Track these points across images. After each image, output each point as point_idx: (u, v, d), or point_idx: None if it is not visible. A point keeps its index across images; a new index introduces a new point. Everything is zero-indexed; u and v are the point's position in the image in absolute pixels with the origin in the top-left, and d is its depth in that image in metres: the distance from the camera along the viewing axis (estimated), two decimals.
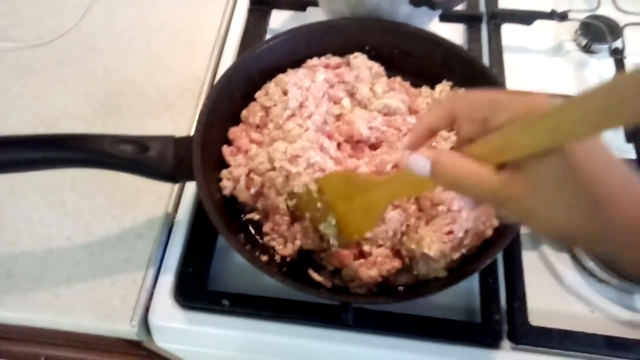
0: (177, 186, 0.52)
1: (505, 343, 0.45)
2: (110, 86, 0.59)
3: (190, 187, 0.52)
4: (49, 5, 0.66)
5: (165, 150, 0.44)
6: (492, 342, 0.45)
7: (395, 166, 0.45)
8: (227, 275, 0.48)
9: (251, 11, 0.67)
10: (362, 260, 0.43)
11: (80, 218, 0.50)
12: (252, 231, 0.47)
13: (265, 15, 0.67)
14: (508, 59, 0.63)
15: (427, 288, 0.40)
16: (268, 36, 0.65)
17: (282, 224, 0.45)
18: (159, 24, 0.65)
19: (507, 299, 0.47)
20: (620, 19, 0.65)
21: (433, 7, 0.51)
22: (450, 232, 0.41)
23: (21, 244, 0.49)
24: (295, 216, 0.45)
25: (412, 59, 0.54)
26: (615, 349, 0.44)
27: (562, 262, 0.51)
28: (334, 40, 0.54)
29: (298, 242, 0.44)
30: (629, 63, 0.61)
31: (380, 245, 0.43)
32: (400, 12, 0.54)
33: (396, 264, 0.42)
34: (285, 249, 0.45)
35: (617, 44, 0.63)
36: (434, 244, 0.41)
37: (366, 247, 0.43)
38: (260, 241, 0.47)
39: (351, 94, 0.53)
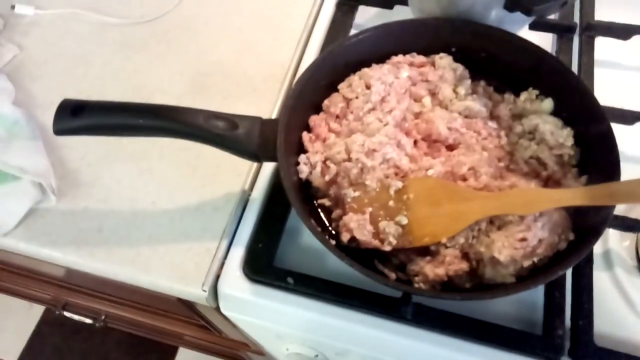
0: (254, 166, 0.55)
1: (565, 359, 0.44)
2: (202, 66, 0.63)
3: (267, 169, 0.55)
4: None
5: (252, 129, 0.46)
6: (552, 356, 0.44)
7: (471, 169, 0.45)
8: (294, 255, 0.50)
9: (339, 5, 0.68)
10: (429, 258, 0.43)
11: (164, 185, 0.54)
12: (323, 216, 0.49)
13: (353, 10, 0.68)
14: (599, 73, 0.60)
15: (493, 291, 0.40)
16: (353, 31, 0.67)
17: (351, 213, 0.46)
18: (252, 11, 0.68)
19: (572, 315, 0.46)
20: None
21: (529, 13, 0.50)
22: (523, 240, 0.40)
23: (111, 204, 0.54)
24: (351, 208, 0.45)
25: (499, 64, 0.53)
26: None
27: (635, 286, 0.49)
28: (421, 39, 0.54)
29: (347, 235, 0.45)
30: None
31: (447, 246, 0.43)
32: (492, 16, 0.54)
33: (464, 265, 0.42)
34: (343, 237, 0.46)
35: None
36: (505, 249, 0.41)
37: (432, 247, 0.44)
38: (329, 227, 0.48)
39: (433, 94, 0.53)
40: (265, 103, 0.60)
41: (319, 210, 0.49)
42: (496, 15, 0.54)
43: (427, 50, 0.55)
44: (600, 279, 0.49)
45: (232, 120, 0.46)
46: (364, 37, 0.53)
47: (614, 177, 0.43)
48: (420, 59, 0.55)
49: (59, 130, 0.45)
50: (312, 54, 0.64)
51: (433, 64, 0.54)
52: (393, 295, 0.45)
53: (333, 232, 0.47)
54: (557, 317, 0.45)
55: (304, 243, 0.51)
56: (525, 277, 0.42)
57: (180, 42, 0.66)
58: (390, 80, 0.52)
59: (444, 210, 0.43)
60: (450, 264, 0.42)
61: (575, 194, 0.40)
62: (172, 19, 0.68)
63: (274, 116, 0.59)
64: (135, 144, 0.57)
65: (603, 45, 0.63)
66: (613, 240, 0.51)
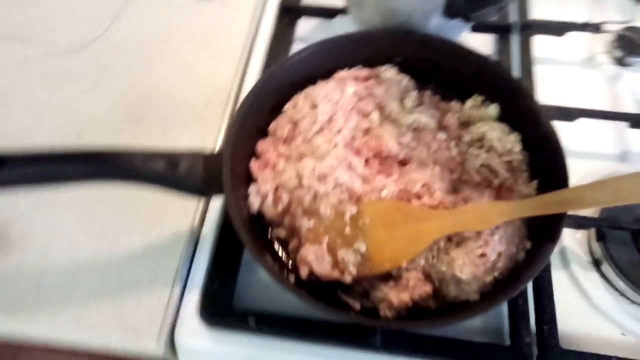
0: (202, 200, 0.52)
1: None
2: (138, 94, 0.60)
3: (216, 202, 0.52)
4: (80, 11, 0.67)
5: (195, 165, 0.44)
6: None
7: (424, 185, 0.44)
8: (254, 291, 0.48)
9: (279, 18, 0.66)
10: (392, 283, 0.42)
11: (107, 232, 0.51)
12: (279, 249, 0.47)
13: (293, 23, 0.66)
14: (539, 71, 0.61)
15: (460, 314, 0.39)
16: (295, 44, 0.65)
17: (308, 242, 0.44)
18: (188, 32, 0.65)
19: (537, 321, 0.46)
20: None
21: (467, 19, 0.50)
22: (482, 255, 0.40)
23: (48, 258, 0.49)
24: (307, 239, 0.44)
25: (443, 72, 0.53)
26: None
27: (591, 281, 0.49)
28: (365, 51, 0.53)
29: (306, 269, 0.43)
30: None
31: (408, 269, 0.42)
32: (432, 24, 0.53)
33: (427, 288, 0.41)
34: (301, 271, 0.44)
35: None
36: (466, 266, 0.40)
37: (394, 271, 0.42)
38: (287, 260, 0.46)
39: (380, 107, 0.52)
40: (209, 130, 0.57)
41: (275, 242, 0.47)
42: (436, 23, 0.54)
43: (372, 61, 0.54)
44: (558, 278, 0.49)
45: (171, 159, 0.43)
46: (306, 54, 0.51)
47: (562, 181, 0.43)
48: (365, 72, 0.53)
49: None
50: (254, 73, 0.61)
51: (378, 77, 0.53)
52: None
53: (291, 266, 0.45)
54: (523, 324, 0.45)
55: (263, 278, 0.48)
56: (488, 292, 0.41)
57: (113, 69, 0.62)
58: (336, 98, 0.50)
59: (402, 233, 0.42)
60: (414, 288, 0.41)
61: (527, 205, 0.40)
62: (102, 44, 0.64)
63: (219, 144, 0.56)
64: (71, 189, 0.53)
65: (541, 43, 0.64)
66: (566, 238, 0.52)
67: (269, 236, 0.47)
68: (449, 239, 0.42)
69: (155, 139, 0.56)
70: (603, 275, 0.49)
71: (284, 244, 0.47)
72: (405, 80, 0.53)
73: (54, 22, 0.66)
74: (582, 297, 0.49)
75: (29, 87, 0.60)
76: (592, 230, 0.50)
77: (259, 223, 0.48)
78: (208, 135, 0.57)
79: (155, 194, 0.45)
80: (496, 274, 0.41)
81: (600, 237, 0.50)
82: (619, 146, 0.58)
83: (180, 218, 0.51)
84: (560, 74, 0.64)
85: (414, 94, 0.52)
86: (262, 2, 0.68)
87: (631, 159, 0.57)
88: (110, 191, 0.51)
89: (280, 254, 0.47)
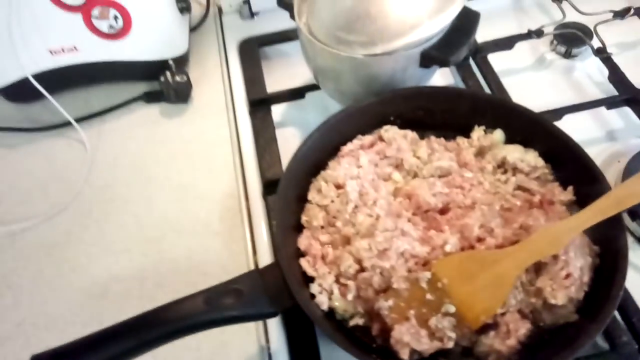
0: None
1: None
2: (147, 232, 0.57)
3: None
4: (49, 170, 0.63)
5: (256, 286, 0.42)
6: None
7: (481, 227, 0.45)
8: None
9: (253, 113, 0.67)
10: (492, 333, 0.41)
11: None
12: (362, 338, 0.45)
13: (268, 112, 0.67)
14: (507, 83, 0.66)
15: (573, 346, 0.39)
16: (278, 130, 0.65)
17: (392, 321, 0.43)
18: (170, 154, 0.63)
19: (622, 316, 0.47)
20: (587, 20, 0.69)
21: (446, 64, 0.53)
22: (568, 276, 0.41)
23: None
24: (392, 320, 0.42)
25: (438, 115, 0.55)
26: None
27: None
28: (360, 121, 0.54)
29: (407, 350, 0.40)
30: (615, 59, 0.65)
31: (503, 313, 0.42)
32: (411, 76, 0.56)
33: (528, 325, 0.41)
34: (402, 355, 0.42)
35: (595, 43, 0.67)
36: (558, 291, 0.40)
37: (489, 320, 0.42)
38: (373, 346, 0.44)
39: (397, 166, 0.53)
40: (234, 243, 0.55)
41: (356, 333, 0.45)
42: (415, 75, 0.56)
43: (370, 129, 0.55)
44: None
45: (234, 289, 0.41)
46: (312, 143, 0.51)
47: (598, 179, 0.46)
48: (369, 138, 0.54)
49: None
50: (253, 173, 0.60)
51: (381, 138, 0.55)
52: None
53: (381, 350, 0.44)
54: (614, 324, 0.46)
55: None
56: (583, 307, 0.42)
57: (110, 217, 0.58)
58: (355, 172, 0.51)
59: (483, 282, 0.42)
60: (516, 330, 0.40)
61: (588, 214, 0.41)
62: (88, 196, 0.60)
63: (249, 251, 0.54)
64: None
65: (495, 60, 0.69)
66: None
67: (346, 329, 0.45)
68: (527, 270, 0.43)
69: (184, 272, 0.53)
70: None
71: (363, 331, 0.45)
72: (409, 133, 0.54)
73: (25, 192, 0.61)
74: None
75: (26, 264, 0.55)
76: (624, 213, 0.53)
77: (331, 321, 0.46)
78: (235, 248, 0.55)
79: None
80: (586, 288, 0.41)
81: (634, 216, 0.52)
82: (604, 127, 0.63)
83: (245, 340, 0.48)
84: (521, 80, 0.69)
85: (423, 143, 0.54)
86: (230, 102, 0.68)
87: (618, 136, 0.62)
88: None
89: (364, 342, 0.45)
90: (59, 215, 0.59)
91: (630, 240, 0.53)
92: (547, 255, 0.41)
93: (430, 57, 0.53)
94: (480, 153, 0.53)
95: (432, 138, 0.55)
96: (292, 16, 0.58)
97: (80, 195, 0.60)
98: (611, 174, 0.57)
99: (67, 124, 0.65)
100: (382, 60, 0.53)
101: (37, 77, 0.63)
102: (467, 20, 0.54)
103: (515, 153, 0.50)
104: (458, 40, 0.53)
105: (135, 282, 0.53)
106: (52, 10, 0.58)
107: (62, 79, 0.66)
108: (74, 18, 0.60)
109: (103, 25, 0.61)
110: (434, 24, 0.51)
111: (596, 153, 0.59)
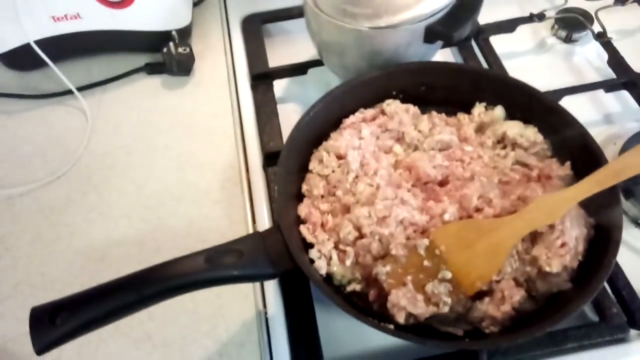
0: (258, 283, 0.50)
1: (631, 333, 0.46)
2: (147, 200, 0.57)
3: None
4: (49, 136, 0.63)
5: (257, 248, 0.42)
6: (620, 335, 0.45)
7: (480, 197, 0.46)
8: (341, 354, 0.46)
9: (254, 87, 0.67)
10: (487, 299, 0.42)
11: (172, 346, 0.47)
12: (359, 303, 0.46)
13: (270, 87, 0.67)
14: (508, 65, 0.66)
15: (563, 311, 0.40)
16: (280, 106, 0.65)
17: (390, 287, 0.44)
18: (172, 124, 0.63)
19: (613, 289, 0.48)
20: (589, 5, 0.70)
21: (450, 39, 0.54)
22: (563, 245, 0.41)
23: None
24: (390, 285, 0.43)
25: (440, 91, 0.56)
26: None
27: (634, 237, 0.53)
28: (363, 94, 0.55)
29: (402, 313, 0.41)
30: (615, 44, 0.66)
31: (499, 281, 0.42)
32: (415, 52, 0.56)
33: (522, 292, 0.42)
34: (398, 318, 0.43)
35: (595, 28, 0.68)
36: (553, 260, 0.41)
37: (484, 287, 0.43)
38: (372, 311, 0.45)
39: (398, 139, 0.53)
40: (235, 210, 0.55)
41: (353, 298, 0.46)
42: (419, 50, 0.57)
43: (372, 102, 0.56)
44: None
45: (235, 250, 0.41)
46: (314, 112, 0.52)
47: (596, 154, 0.46)
48: (371, 112, 0.55)
49: (43, 347, 0.36)
50: (254, 145, 0.61)
51: (383, 112, 0.55)
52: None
53: (377, 315, 0.44)
54: (604, 297, 0.47)
55: (346, 338, 0.47)
56: (577, 277, 0.42)
57: (110, 184, 0.58)
58: (357, 144, 0.51)
59: (480, 249, 0.42)
60: (511, 297, 0.41)
61: (586, 186, 0.42)
62: (87, 163, 0.60)
63: (249, 220, 0.55)
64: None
65: (497, 42, 0.69)
66: None
67: (344, 294, 0.46)
68: (524, 239, 0.43)
69: (183, 238, 0.53)
70: None
71: (361, 297, 0.46)
72: (411, 108, 0.54)
73: (24, 157, 0.61)
74: (636, 254, 0.52)
75: (24, 227, 0.55)
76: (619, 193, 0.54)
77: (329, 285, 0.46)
78: (235, 217, 0.55)
79: (200, 292, 0.42)
80: (580, 257, 0.42)
81: (629, 195, 0.53)
82: (602, 110, 0.63)
83: (242, 305, 0.49)
84: (523, 63, 0.69)
85: (424, 117, 0.54)
86: (232, 76, 0.69)
87: (615, 119, 0.63)
88: (152, 309, 0.47)
89: (362, 307, 0.45)
90: (58, 181, 0.59)
91: (625, 218, 0.53)
92: (543, 225, 0.42)
93: (435, 32, 0.53)
94: (481, 128, 0.54)
95: (434, 113, 0.55)
96: None
97: (80, 161, 0.60)
98: (608, 156, 0.57)
99: (68, 92, 0.65)
100: (387, 33, 0.53)
101: (39, 43, 0.62)
102: None
103: (515, 128, 0.51)
104: (462, 16, 0.53)
105: (134, 247, 0.53)
106: None
107: (65, 47, 0.66)
108: None
109: None
110: None
111: (594, 135, 0.58)
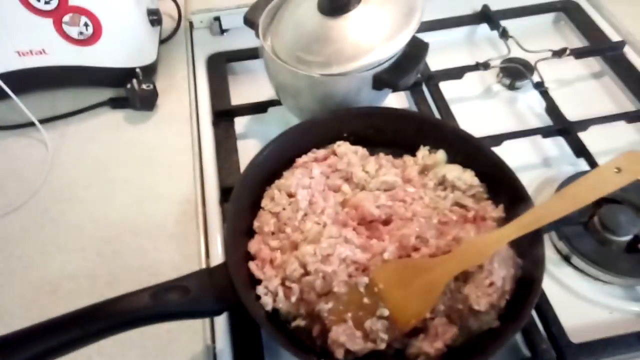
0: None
1: None
2: (103, 233, 0.58)
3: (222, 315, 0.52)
4: (9, 168, 0.64)
5: (203, 286, 0.44)
6: None
7: (418, 237, 0.49)
8: None
9: (216, 123, 0.70)
10: (422, 336, 0.44)
11: None
12: (302, 338, 0.47)
13: (231, 124, 0.70)
14: (456, 110, 0.70)
15: (497, 342, 0.42)
16: (240, 142, 0.68)
17: (331, 323, 0.46)
18: (132, 158, 0.65)
19: (544, 326, 0.51)
20: (529, 57, 0.76)
21: (396, 88, 0.58)
22: (491, 284, 0.44)
23: None
24: (331, 322, 0.45)
25: (388, 134, 0.59)
26: None
27: (568, 275, 0.56)
28: (316, 135, 0.58)
29: (341, 350, 0.44)
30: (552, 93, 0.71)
31: (432, 318, 0.45)
32: (365, 97, 0.60)
33: (455, 329, 0.44)
34: (337, 354, 0.45)
35: (535, 77, 0.74)
36: (481, 298, 0.44)
37: (419, 324, 0.45)
38: (314, 347, 0.47)
39: (346, 179, 0.56)
40: (188, 245, 0.57)
41: (297, 334, 0.48)
42: (368, 96, 0.60)
43: (324, 143, 0.59)
44: (544, 283, 0.55)
45: (181, 286, 0.43)
46: (267, 152, 0.55)
47: (524, 199, 0.50)
48: (322, 152, 0.58)
49: None
50: (212, 180, 0.63)
51: (334, 153, 0.58)
52: None
53: (318, 350, 0.46)
54: (535, 332, 0.50)
55: None
56: (505, 315, 0.45)
57: (68, 216, 0.60)
58: (307, 183, 0.54)
59: (415, 288, 0.45)
60: (444, 334, 0.44)
61: (511, 230, 0.46)
62: (46, 195, 0.62)
63: (202, 254, 0.56)
64: None
65: (446, 88, 0.74)
66: None
67: (288, 329, 0.48)
68: (456, 278, 0.46)
69: (136, 272, 0.55)
70: (576, 267, 0.56)
71: (305, 332, 0.48)
72: (359, 149, 0.58)
73: None
74: (566, 292, 0.55)
75: None
76: (553, 233, 0.58)
77: (275, 320, 0.48)
78: (188, 251, 0.57)
79: (150, 327, 0.44)
80: (507, 296, 0.45)
81: (562, 236, 0.57)
82: (540, 154, 0.68)
83: (191, 340, 0.50)
84: (469, 108, 0.74)
85: (371, 159, 0.57)
86: (195, 112, 0.71)
87: (552, 163, 0.67)
88: (101, 344, 0.48)
89: (305, 343, 0.47)
90: (15, 213, 0.60)
91: (557, 257, 0.58)
92: (473, 265, 0.45)
93: (382, 80, 0.57)
94: (424, 170, 0.57)
95: (381, 155, 0.59)
96: (257, 35, 0.62)
97: (38, 194, 0.61)
98: (545, 197, 0.62)
99: (31, 124, 0.66)
100: (337, 80, 0.57)
101: (3, 76, 0.64)
102: (417, 48, 0.59)
103: (454, 172, 0.54)
104: (407, 66, 0.58)
105: (87, 280, 0.54)
106: (22, 13, 0.60)
107: (29, 80, 0.68)
108: (44, 22, 0.62)
109: (73, 31, 0.63)
110: (384, 50, 0.55)
111: (532, 178, 0.64)
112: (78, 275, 0.55)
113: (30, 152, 0.66)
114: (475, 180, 0.54)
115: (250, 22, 0.63)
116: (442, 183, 0.55)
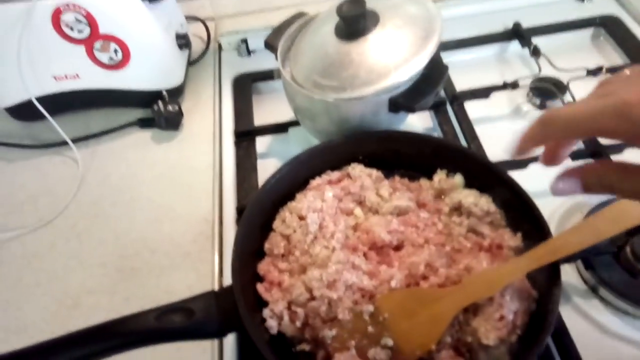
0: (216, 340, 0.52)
1: None
2: (124, 250, 0.60)
3: (230, 337, 0.52)
4: (42, 184, 0.68)
5: (209, 308, 0.44)
6: None
7: (427, 266, 0.47)
8: None
9: (237, 144, 0.71)
10: None
11: None
12: None
13: (252, 144, 0.71)
14: (479, 130, 0.69)
15: None
16: (259, 161, 0.69)
17: (335, 350, 0.45)
18: (156, 177, 0.67)
19: None
20: (562, 76, 0.73)
21: (412, 110, 0.57)
22: (501, 318, 0.42)
23: None
24: (334, 349, 0.45)
25: (404, 157, 0.58)
26: None
27: (595, 308, 0.53)
28: (331, 158, 0.58)
29: None
30: None
31: (439, 350, 0.44)
32: (382, 119, 0.59)
33: None
34: None
35: (567, 97, 0.71)
36: (490, 332, 0.42)
37: (424, 355, 0.44)
38: None
39: (359, 202, 0.56)
40: (203, 264, 0.58)
41: (300, 358, 0.47)
42: (385, 119, 0.60)
43: (338, 165, 0.59)
44: (565, 313, 0.52)
45: (186, 308, 0.44)
46: (281, 175, 0.55)
47: (542, 229, 0.48)
48: (336, 174, 0.58)
49: None
50: (230, 200, 0.64)
51: (348, 175, 0.58)
52: None
53: None
54: None
55: None
56: (516, 351, 0.43)
57: (92, 232, 0.62)
58: (319, 206, 0.54)
59: (422, 318, 0.44)
60: None
61: (524, 262, 0.44)
62: (74, 211, 0.65)
63: (216, 274, 0.57)
64: None
65: (472, 108, 0.72)
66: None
67: (294, 352, 0.47)
68: (466, 310, 0.45)
69: (152, 289, 0.56)
70: (603, 300, 0.53)
71: (310, 357, 0.47)
72: (374, 172, 0.57)
73: (18, 202, 0.66)
74: (592, 326, 0.52)
75: (6, 271, 0.59)
76: (579, 262, 0.55)
77: (281, 343, 0.48)
78: (203, 270, 0.58)
79: (163, 346, 0.45)
80: (519, 331, 0.43)
81: (589, 266, 0.54)
82: None
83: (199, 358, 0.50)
84: (496, 129, 0.71)
85: (385, 182, 0.57)
86: (218, 132, 0.73)
87: None
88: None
89: None
90: (45, 228, 0.63)
91: (584, 288, 0.54)
92: (482, 297, 0.43)
93: (397, 104, 0.57)
94: (440, 194, 0.56)
95: (397, 178, 0.58)
96: (277, 58, 0.63)
97: (67, 210, 0.65)
98: (573, 224, 0.59)
99: (65, 143, 0.70)
100: (352, 104, 0.57)
101: (41, 99, 0.68)
102: (435, 71, 0.58)
103: (470, 197, 0.53)
104: (424, 89, 0.57)
105: (105, 295, 0.56)
106: (58, 42, 0.64)
107: (64, 102, 0.72)
108: (77, 49, 0.65)
109: (104, 57, 0.66)
110: (400, 74, 0.55)
111: (560, 203, 0.61)
112: (97, 290, 0.57)
113: (62, 170, 0.69)
114: (492, 207, 0.52)
115: (270, 46, 0.64)
116: (458, 209, 0.54)
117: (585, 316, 0.53)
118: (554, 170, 0.65)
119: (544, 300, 0.44)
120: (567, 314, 0.52)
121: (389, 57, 0.56)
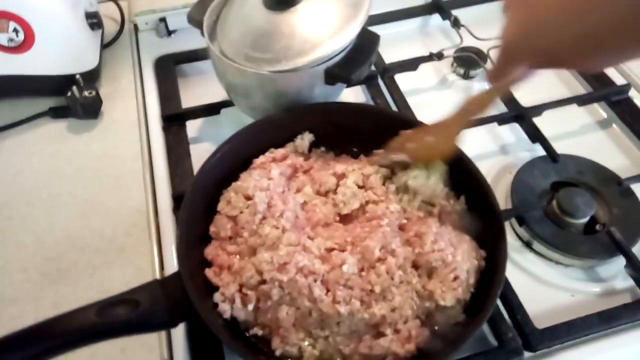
0: (164, 331, 0.49)
1: (526, 355, 0.48)
2: (47, 252, 0.54)
3: (179, 329, 0.49)
4: None
5: (155, 297, 0.41)
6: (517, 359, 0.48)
7: (382, 248, 0.46)
8: None
9: (166, 128, 0.66)
10: (393, 337, 0.43)
11: None
12: (261, 347, 0.45)
13: (182, 128, 0.67)
14: (410, 101, 0.70)
15: (462, 337, 0.41)
16: (192, 146, 0.65)
17: (290, 334, 0.44)
18: (76, 170, 0.61)
19: (509, 314, 0.50)
20: (482, 45, 0.76)
21: (348, 82, 0.56)
22: (456, 278, 0.43)
23: None
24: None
25: (345, 129, 0.58)
26: (609, 320, 0.50)
27: (530, 261, 0.56)
28: (272, 134, 0.56)
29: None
30: None
31: (407, 321, 0.44)
32: (319, 92, 0.58)
33: (426, 332, 0.43)
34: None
35: (488, 65, 0.74)
36: (447, 293, 0.43)
37: (390, 325, 0.44)
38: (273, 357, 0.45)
39: (312, 180, 0.54)
40: (141, 257, 0.54)
41: (258, 343, 0.45)
42: (321, 91, 0.59)
43: (281, 142, 0.57)
44: (507, 270, 0.55)
45: (130, 300, 0.40)
46: (221, 153, 0.53)
47: (481, 185, 0.50)
48: (281, 151, 0.56)
49: None
50: (164, 188, 0.60)
51: (294, 152, 0.56)
52: None
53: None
54: (501, 322, 0.49)
55: None
56: (470, 307, 0.45)
57: (7, 236, 0.55)
58: (265, 184, 0.51)
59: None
60: (417, 337, 0.43)
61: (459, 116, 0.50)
62: None
63: (156, 266, 0.53)
64: None
65: (402, 80, 0.73)
66: None
67: (247, 336, 0.45)
68: (419, 275, 0.45)
69: (85, 290, 0.51)
70: (537, 253, 0.56)
71: (266, 342, 0.45)
72: (319, 150, 0.56)
73: None
74: (529, 278, 0.55)
75: None
76: (513, 219, 0.58)
77: (234, 327, 0.46)
78: (141, 263, 0.54)
79: (108, 343, 0.41)
80: (472, 289, 0.44)
81: (521, 222, 0.57)
82: (497, 142, 0.68)
83: (147, 357, 0.47)
84: (426, 99, 0.73)
85: (330, 156, 0.56)
86: (143, 118, 0.68)
87: (509, 149, 0.67)
88: None
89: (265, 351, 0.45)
90: None
91: (519, 244, 0.58)
92: (480, 110, 0.50)
93: (334, 75, 0.56)
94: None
95: (343, 156, 0.57)
96: (203, 33, 0.59)
97: None
98: (503, 184, 0.62)
99: None
100: (288, 76, 0.55)
101: None
102: (367, 41, 0.58)
103: (419, 179, 0.51)
104: (359, 59, 0.56)
105: (30, 303, 0.50)
106: None
107: None
108: None
109: (2, 38, 0.59)
110: (334, 43, 0.54)
111: (491, 165, 0.64)
112: (20, 298, 0.51)
113: None
114: (440, 187, 0.52)
115: (194, 20, 0.61)
116: (405, 190, 0.53)
117: (523, 270, 0.56)
118: (483, 135, 0.69)
119: (492, 256, 0.46)
120: (508, 270, 0.55)
121: (322, 27, 0.55)
